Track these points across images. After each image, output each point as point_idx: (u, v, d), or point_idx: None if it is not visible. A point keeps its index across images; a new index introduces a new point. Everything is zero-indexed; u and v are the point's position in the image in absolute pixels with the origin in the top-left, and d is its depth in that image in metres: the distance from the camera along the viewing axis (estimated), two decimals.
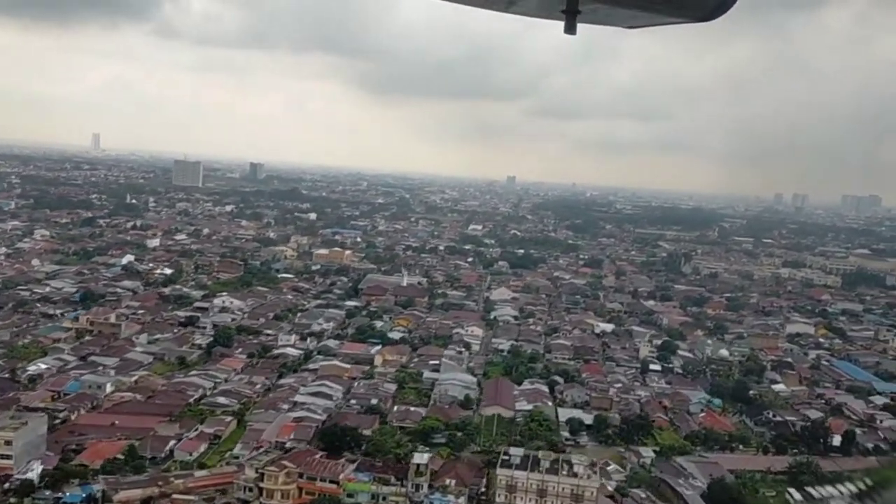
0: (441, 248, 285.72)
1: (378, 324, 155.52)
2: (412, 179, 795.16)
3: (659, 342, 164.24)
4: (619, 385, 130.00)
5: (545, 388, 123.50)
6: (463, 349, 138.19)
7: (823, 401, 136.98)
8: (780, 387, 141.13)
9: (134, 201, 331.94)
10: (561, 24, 7.18)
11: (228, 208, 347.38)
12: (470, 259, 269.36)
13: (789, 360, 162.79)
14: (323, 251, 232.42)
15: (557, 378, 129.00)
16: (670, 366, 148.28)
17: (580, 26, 7.14)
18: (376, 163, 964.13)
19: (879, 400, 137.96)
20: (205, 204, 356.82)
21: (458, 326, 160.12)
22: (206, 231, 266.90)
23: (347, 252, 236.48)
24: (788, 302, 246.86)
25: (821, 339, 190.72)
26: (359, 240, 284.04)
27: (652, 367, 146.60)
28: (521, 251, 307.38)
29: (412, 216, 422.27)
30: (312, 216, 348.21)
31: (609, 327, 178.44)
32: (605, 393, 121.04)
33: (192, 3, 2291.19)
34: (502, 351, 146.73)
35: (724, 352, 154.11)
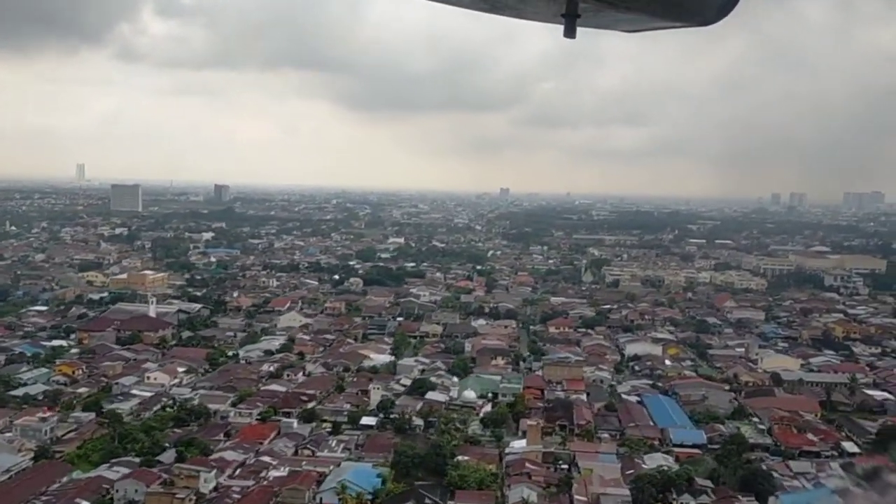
0: (305, 265, 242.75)
1: (32, 373, 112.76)
2: (396, 196, 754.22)
3: (420, 377, 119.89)
4: (255, 463, 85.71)
5: (112, 477, 79.60)
6: (49, 413, 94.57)
7: (565, 466, 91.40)
8: (520, 444, 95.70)
9: (13, 228, 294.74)
10: (560, 28, 6.78)
11: (118, 231, 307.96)
12: (335, 276, 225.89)
13: (581, 397, 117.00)
14: (122, 276, 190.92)
15: (164, 458, 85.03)
16: (391, 416, 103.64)
17: (580, 30, 6.73)
18: (366, 181, 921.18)
19: (653, 462, 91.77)
20: (101, 228, 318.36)
21: (155, 370, 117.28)
22: (38, 257, 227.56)
23: (160, 276, 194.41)
24: (675, 312, 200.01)
25: (667, 362, 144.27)
26: (213, 259, 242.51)
27: (364, 421, 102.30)
28: (412, 265, 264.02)
29: (341, 231, 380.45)
30: (208, 235, 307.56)
31: (385, 359, 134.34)
32: (175, 487, 76.56)
33: (150, 25, 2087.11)
34: (167, 407, 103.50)
35: (470, 394, 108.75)
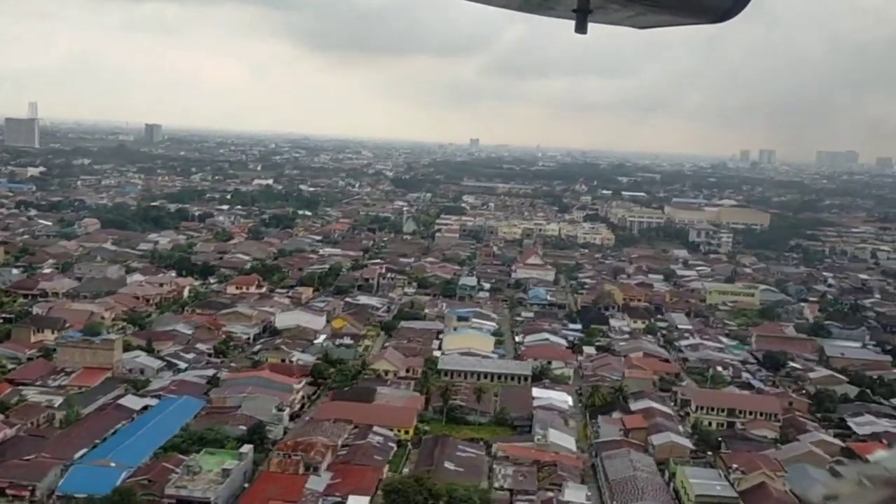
0: (75, 204, 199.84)
1: None
2: (355, 144, 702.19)
3: None
4: None
5: None
6: None
7: None
8: None
9: None
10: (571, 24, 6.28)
11: None
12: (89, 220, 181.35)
13: (56, 400, 73.38)
14: None
15: None
16: None
17: (591, 26, 6.31)
18: (331, 129, 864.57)
19: None
20: None
21: None
22: None
23: None
24: (454, 270, 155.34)
25: (319, 339, 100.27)
26: None
27: None
28: (226, 207, 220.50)
29: (224, 172, 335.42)
30: (35, 171, 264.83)
31: None
32: None
33: None
34: None
35: None
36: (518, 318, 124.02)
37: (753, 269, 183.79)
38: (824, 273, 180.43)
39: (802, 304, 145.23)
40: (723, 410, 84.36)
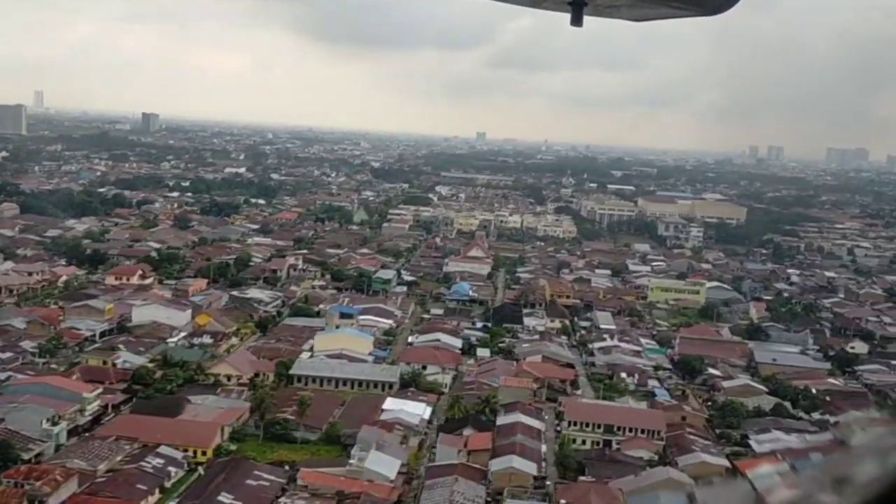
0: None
1: None
2: (355, 135, 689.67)
3: None
4: None
5: None
6: None
7: None
8: None
9: None
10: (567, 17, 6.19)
11: None
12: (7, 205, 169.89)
13: None
14: None
15: None
16: None
17: (586, 18, 6.20)
18: (338, 121, 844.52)
19: None
20: None
21: None
22: None
23: None
24: (383, 262, 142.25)
25: (171, 338, 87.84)
26: None
27: None
28: (175, 194, 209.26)
29: (203, 161, 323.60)
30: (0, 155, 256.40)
31: None
32: None
33: None
34: None
35: None
36: (425, 316, 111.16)
37: (715, 264, 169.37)
38: (789, 270, 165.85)
39: (752, 303, 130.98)
40: (599, 426, 71.03)
